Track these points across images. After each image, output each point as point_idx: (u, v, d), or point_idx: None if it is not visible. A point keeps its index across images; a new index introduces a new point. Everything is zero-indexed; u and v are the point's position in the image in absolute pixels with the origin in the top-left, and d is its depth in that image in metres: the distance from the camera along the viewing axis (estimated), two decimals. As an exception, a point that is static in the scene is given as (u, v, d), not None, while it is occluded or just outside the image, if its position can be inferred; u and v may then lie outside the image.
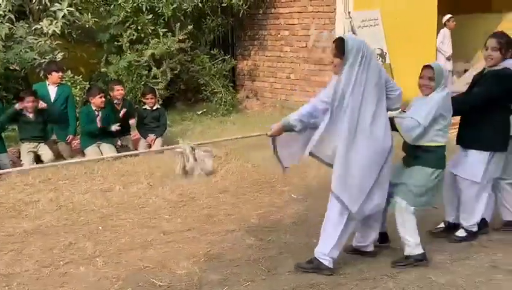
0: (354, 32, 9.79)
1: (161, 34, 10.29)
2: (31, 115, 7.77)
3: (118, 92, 8.48)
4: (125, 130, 8.52)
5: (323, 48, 10.53)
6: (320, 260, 4.46)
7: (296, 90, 11.27)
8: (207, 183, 6.76)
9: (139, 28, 10.34)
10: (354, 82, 4.16)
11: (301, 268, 4.52)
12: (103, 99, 8.11)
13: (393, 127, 4.52)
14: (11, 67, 9.48)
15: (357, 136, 4.24)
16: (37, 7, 9.65)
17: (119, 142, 8.37)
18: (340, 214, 4.40)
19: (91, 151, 8.04)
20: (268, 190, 6.68)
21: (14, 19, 9.40)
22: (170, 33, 10.37)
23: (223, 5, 11.06)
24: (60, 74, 8.32)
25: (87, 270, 4.65)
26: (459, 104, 4.79)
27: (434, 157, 4.52)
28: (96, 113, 8.10)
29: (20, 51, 9.13)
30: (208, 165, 4.66)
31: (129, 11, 10.18)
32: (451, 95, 4.63)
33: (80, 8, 9.85)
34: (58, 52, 9.43)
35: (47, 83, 8.29)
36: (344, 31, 9.90)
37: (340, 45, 4.24)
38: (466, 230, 5.06)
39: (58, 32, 9.38)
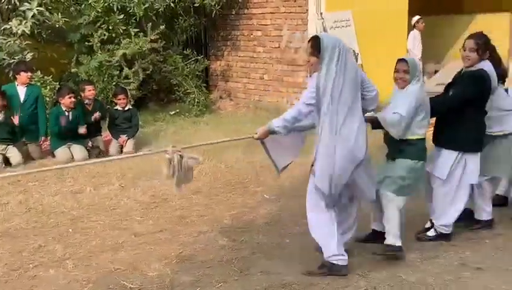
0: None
1: (133, 34, 10.21)
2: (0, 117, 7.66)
3: (89, 92, 8.39)
4: (96, 131, 8.43)
5: (296, 48, 10.57)
6: (333, 262, 4.42)
7: (269, 91, 11.28)
8: (179, 184, 6.73)
9: (110, 27, 10.24)
10: (334, 79, 4.17)
11: (314, 274, 4.44)
12: (72, 99, 8.01)
13: (377, 125, 4.65)
14: (-21, 68, 9.31)
15: (335, 135, 4.26)
16: (6, 7, 9.49)
17: (89, 144, 8.28)
18: (327, 210, 4.41)
19: (61, 153, 7.93)
20: (241, 190, 6.67)
21: (-17, 19, 9.25)
22: (142, 33, 10.29)
23: (195, 5, 11.02)
24: (29, 74, 8.20)
25: (57, 273, 4.59)
26: (438, 105, 4.86)
27: (416, 149, 4.67)
28: (66, 114, 8.00)
29: (-11, 51, 8.99)
30: (190, 176, 4.64)
31: (100, 10, 10.08)
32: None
33: (49, 7, 9.71)
34: (28, 53, 9.29)
35: (16, 83, 8.16)
36: (316, 31, 9.93)
37: (315, 43, 4.26)
38: (435, 230, 5.10)
39: (27, 32, 9.24)
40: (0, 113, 7.64)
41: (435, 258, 4.78)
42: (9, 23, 9.22)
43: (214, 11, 11.10)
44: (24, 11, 9.30)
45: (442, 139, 4.95)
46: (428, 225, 5.23)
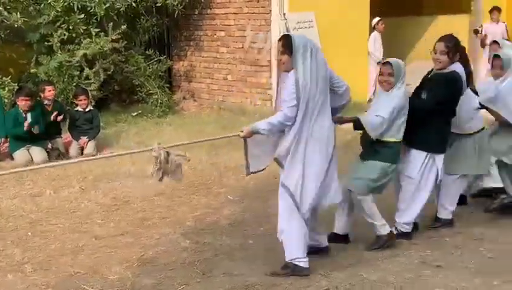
0: (289, 34, 9.85)
1: (93, 33, 10.06)
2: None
3: (49, 92, 8.24)
4: (55, 132, 8.28)
5: (260, 49, 10.57)
6: (296, 263, 4.43)
7: (233, 91, 11.27)
8: (141, 186, 6.66)
9: (71, 27, 10.07)
10: (310, 77, 4.22)
11: (278, 275, 4.45)
12: (28, 102, 7.81)
13: (359, 126, 4.73)
14: None
15: (309, 133, 4.30)
16: (-38, 6, 9.27)
17: (49, 145, 8.12)
18: (296, 213, 4.39)
19: (20, 155, 7.76)
20: (204, 191, 6.63)
21: None
22: (103, 33, 10.15)
23: (157, 4, 10.92)
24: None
25: (15, 278, 4.49)
26: (416, 109, 4.87)
27: (391, 152, 4.76)
28: (24, 115, 7.83)
29: None
30: (179, 173, 4.60)
31: (60, 10, 9.91)
32: None
33: (8, 7, 9.52)
34: (-15, 53, 9.09)
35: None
36: (279, 32, 9.95)
37: (287, 42, 4.31)
38: (396, 229, 5.14)
39: (-15, 32, 9.03)
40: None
41: (395, 256, 4.83)
42: (-34, 22, 9.02)
43: (177, 11, 11.03)
44: (-19, 11, 9.10)
45: (413, 140, 4.98)
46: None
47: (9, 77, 9.41)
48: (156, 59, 11.23)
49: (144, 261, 4.79)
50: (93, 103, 9.41)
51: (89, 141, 8.32)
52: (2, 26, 9.50)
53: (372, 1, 11.19)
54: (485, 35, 11.18)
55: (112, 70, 10.37)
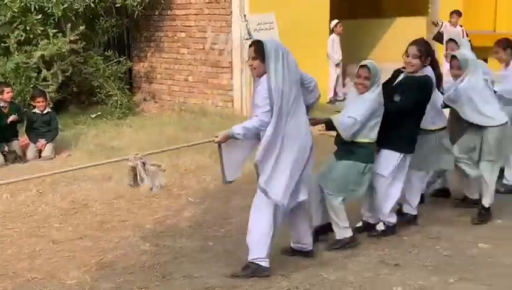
0: (250, 35, 9.87)
1: (51, 34, 9.89)
2: None
3: (7, 94, 8.08)
4: (12, 135, 8.11)
5: (221, 50, 10.56)
6: (258, 263, 4.45)
7: (194, 93, 11.22)
8: (100, 189, 6.58)
9: (28, 28, 9.87)
10: (283, 80, 4.28)
11: (238, 276, 4.45)
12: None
13: (331, 127, 4.82)
14: None
15: (285, 134, 4.34)
16: None
17: (6, 148, 7.95)
18: (269, 214, 4.42)
19: (-25, 158, 7.59)
20: (165, 194, 6.55)
21: None
22: (61, 34, 9.98)
23: (117, 5, 10.79)
24: None
25: (-30, 285, 4.39)
26: (391, 112, 4.95)
27: (366, 152, 4.87)
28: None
29: None
30: (161, 180, 4.57)
31: (16, 10, 9.70)
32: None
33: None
34: None
35: None
36: (240, 33, 9.98)
37: (258, 47, 4.37)
38: (384, 223, 5.29)
39: None
40: None
41: (355, 256, 4.89)
42: None
43: (136, 12, 10.91)
44: None
45: (385, 141, 5.06)
46: (359, 224, 5.40)
47: (-36, 78, 9.16)
48: (115, 60, 11.10)
49: (102, 265, 4.73)
50: (51, 105, 9.24)
51: (46, 143, 8.17)
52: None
53: (332, 3, 11.29)
54: (442, 32, 11.46)
55: (70, 71, 10.19)
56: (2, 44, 9.90)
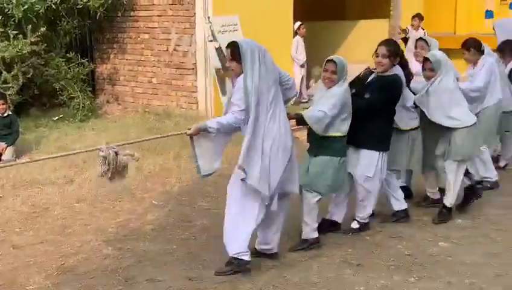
0: (214, 37, 9.86)
1: (11, 36, 9.68)
2: None
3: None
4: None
5: (185, 52, 10.51)
6: (241, 258, 4.51)
7: (157, 95, 11.13)
8: (62, 193, 6.48)
9: (-13, 29, 9.68)
10: (259, 80, 4.32)
11: (223, 273, 4.52)
12: None
13: (302, 122, 4.87)
14: None
15: (265, 132, 4.37)
16: None
17: (-35, 152, 7.78)
18: (250, 207, 4.47)
19: None
20: (128, 197, 6.51)
21: None
22: (22, 35, 9.78)
23: (78, 7, 10.63)
24: None
25: None
26: (359, 108, 5.05)
27: (339, 146, 4.96)
28: None
29: None
30: (124, 173, 4.52)
31: (-25, 11, 9.51)
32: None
33: None
34: None
35: None
36: (204, 35, 9.94)
37: (234, 49, 4.42)
38: (359, 222, 5.40)
39: None
40: None
41: (319, 256, 4.93)
42: None
43: (99, 13, 10.78)
44: None
45: (361, 140, 5.18)
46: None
47: None
48: (77, 62, 10.93)
49: (64, 270, 4.67)
50: (11, 108, 9.04)
51: (7, 146, 8.01)
52: None
53: (296, 5, 11.35)
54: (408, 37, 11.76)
55: (31, 73, 9.99)
56: (-39, 46, 9.66)
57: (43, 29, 9.90)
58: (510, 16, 14.13)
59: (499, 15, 13.95)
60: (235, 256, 4.52)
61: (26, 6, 9.75)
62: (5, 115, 8.25)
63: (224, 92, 9.08)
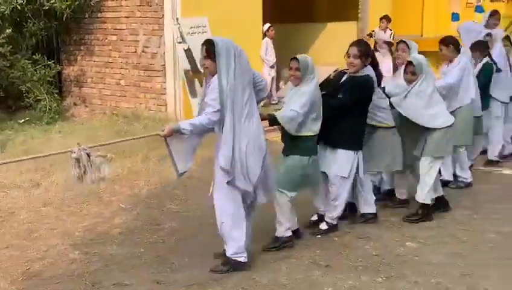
0: (183, 39, 9.81)
1: (-24, 37, 9.53)
2: None
3: None
4: None
5: (153, 53, 10.44)
6: (238, 259, 4.55)
7: (126, 97, 11.03)
8: (28, 197, 6.37)
9: (-49, 30, 9.47)
10: (234, 79, 4.30)
11: (219, 272, 4.56)
12: None
13: (275, 122, 4.89)
14: None
15: (242, 132, 4.36)
16: None
17: None
18: (238, 207, 4.50)
19: None
20: (95, 200, 6.43)
21: None
22: (-14, 37, 9.63)
23: (45, 8, 10.49)
24: None
25: None
26: (331, 107, 5.10)
27: (310, 145, 5.00)
28: None
29: None
30: (105, 172, 4.43)
31: None
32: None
33: None
34: None
35: None
36: (173, 37, 9.89)
37: (210, 46, 4.38)
38: (327, 223, 5.43)
39: None
40: None
41: (288, 257, 4.94)
42: None
43: (66, 15, 10.64)
44: None
45: (336, 140, 5.25)
46: (315, 217, 5.58)
47: None
48: (44, 64, 10.77)
49: (29, 275, 4.60)
50: (-25, 110, 8.90)
51: (-30, 150, 7.86)
52: None
53: (264, 7, 11.37)
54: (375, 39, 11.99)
55: (-4, 76, 9.85)
56: None
57: (8, 30, 9.77)
58: (475, 18, 14.40)
59: (464, 18, 14.18)
60: (232, 257, 4.56)
61: (-10, 7, 9.58)
62: (-31, 117, 8.09)
63: (193, 94, 9.04)
